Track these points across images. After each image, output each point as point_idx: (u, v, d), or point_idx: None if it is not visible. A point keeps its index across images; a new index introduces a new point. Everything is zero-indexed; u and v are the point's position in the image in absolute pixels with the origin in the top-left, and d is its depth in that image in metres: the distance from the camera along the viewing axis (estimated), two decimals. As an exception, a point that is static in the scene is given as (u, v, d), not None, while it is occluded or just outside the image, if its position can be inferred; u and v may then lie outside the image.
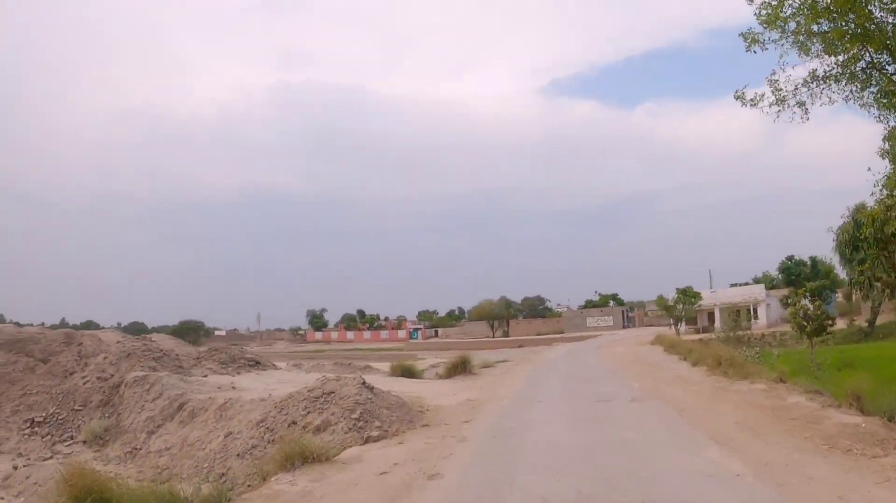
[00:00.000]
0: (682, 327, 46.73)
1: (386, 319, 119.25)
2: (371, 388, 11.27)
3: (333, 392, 10.84)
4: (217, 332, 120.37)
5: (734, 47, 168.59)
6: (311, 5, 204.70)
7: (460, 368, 20.33)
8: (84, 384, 16.91)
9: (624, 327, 76.54)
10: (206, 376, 18.51)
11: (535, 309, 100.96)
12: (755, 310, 50.70)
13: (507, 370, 22.22)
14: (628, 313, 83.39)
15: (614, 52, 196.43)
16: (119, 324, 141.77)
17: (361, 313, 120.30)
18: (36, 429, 15.14)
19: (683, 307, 41.82)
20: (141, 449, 13.10)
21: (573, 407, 11.75)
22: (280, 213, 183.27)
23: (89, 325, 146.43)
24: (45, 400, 16.57)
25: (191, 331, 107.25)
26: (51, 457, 13.31)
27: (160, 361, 18.42)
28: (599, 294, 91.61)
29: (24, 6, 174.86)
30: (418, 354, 64.63)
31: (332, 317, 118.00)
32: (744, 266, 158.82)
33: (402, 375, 20.55)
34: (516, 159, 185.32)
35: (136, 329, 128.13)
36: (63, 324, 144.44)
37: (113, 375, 17.08)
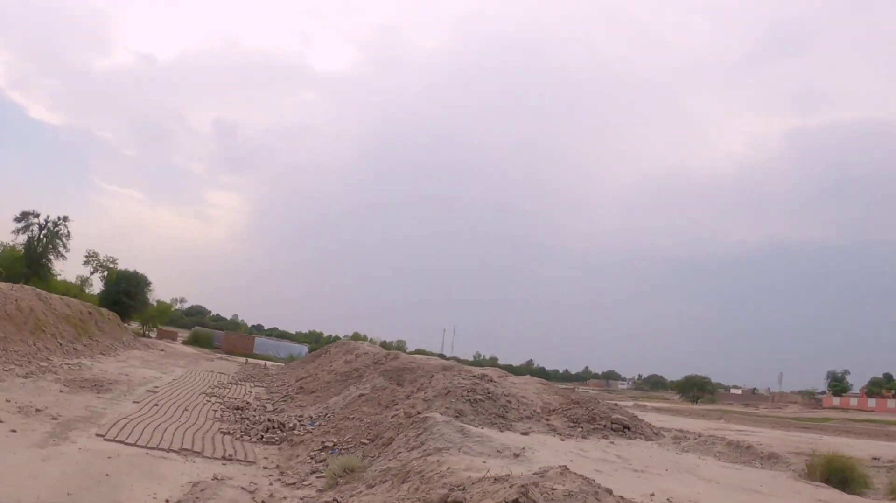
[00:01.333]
0: None
1: None
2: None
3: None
4: (733, 390, 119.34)
5: None
6: (822, 40, 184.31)
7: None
8: (391, 418, 14.38)
9: None
10: (525, 433, 13.67)
11: None
12: None
13: None
14: None
15: None
16: (639, 376, 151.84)
17: (888, 377, 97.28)
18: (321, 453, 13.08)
19: None
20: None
21: None
22: (804, 266, 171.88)
23: (609, 376, 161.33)
24: (353, 427, 14.65)
25: (693, 387, 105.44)
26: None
27: (477, 405, 14.57)
28: None
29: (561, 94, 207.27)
30: None
31: (857, 381, 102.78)
32: None
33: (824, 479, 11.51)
34: None
35: (653, 382, 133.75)
36: (586, 372, 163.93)
37: (419, 412, 14.04)
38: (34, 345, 19.06)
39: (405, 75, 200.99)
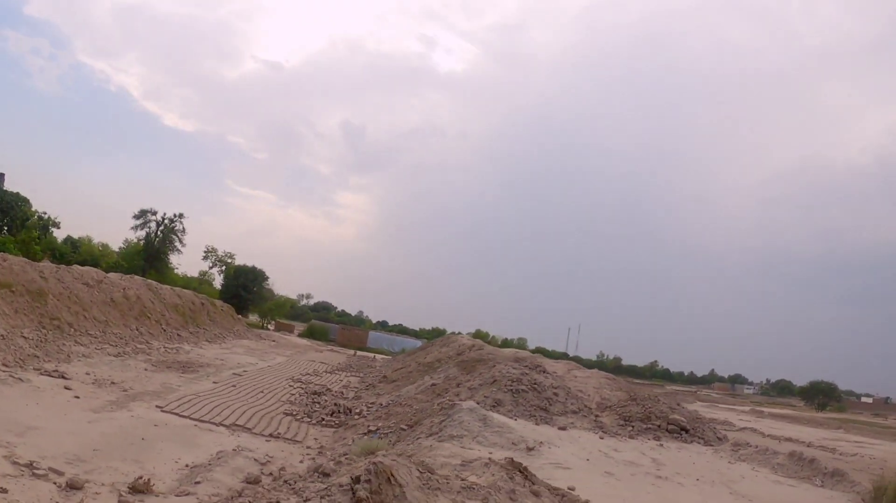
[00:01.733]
0: None
1: None
2: None
3: None
4: (864, 399, 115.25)
5: None
6: None
7: None
8: (436, 405, 14.88)
9: None
10: (563, 428, 13.60)
11: None
12: None
13: None
14: None
15: None
16: (767, 380, 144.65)
17: None
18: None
19: None
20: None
21: None
22: None
23: (736, 380, 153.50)
24: (402, 413, 15.31)
25: (819, 394, 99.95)
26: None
27: (519, 395, 14.69)
28: None
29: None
30: None
31: None
32: None
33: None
34: None
35: (781, 387, 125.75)
36: (712, 375, 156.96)
37: (463, 400, 14.43)
38: (136, 329, 21.69)
39: (528, 72, 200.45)
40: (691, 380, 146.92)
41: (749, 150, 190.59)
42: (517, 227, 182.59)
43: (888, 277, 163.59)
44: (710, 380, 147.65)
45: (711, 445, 15.30)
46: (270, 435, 12.74)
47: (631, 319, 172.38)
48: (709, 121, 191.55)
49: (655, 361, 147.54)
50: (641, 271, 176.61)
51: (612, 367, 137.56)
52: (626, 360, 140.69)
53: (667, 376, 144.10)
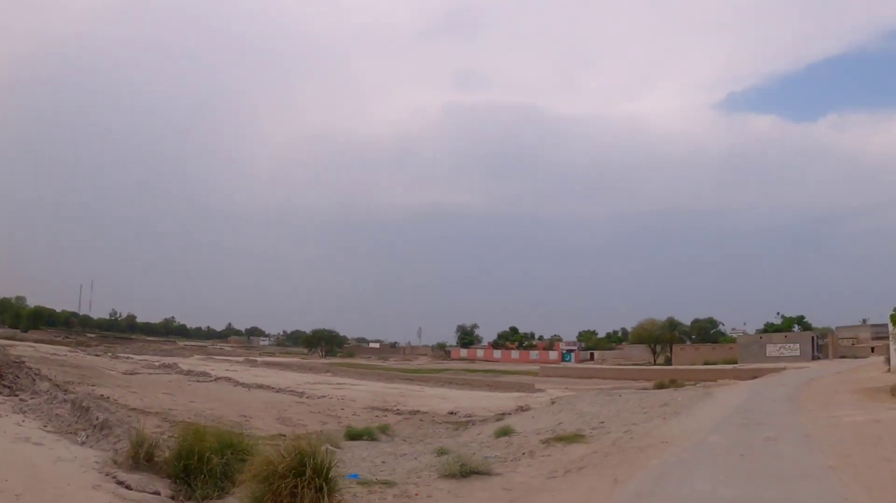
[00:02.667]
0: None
1: (540, 338, 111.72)
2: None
3: None
4: (372, 345, 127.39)
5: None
6: (488, 27, 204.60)
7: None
8: None
9: (813, 358, 57.88)
10: None
11: (706, 333, 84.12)
12: None
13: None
14: (818, 341, 63.71)
15: (794, 61, 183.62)
16: (284, 331, 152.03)
17: (514, 330, 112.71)
18: None
19: None
20: None
21: None
22: (454, 232, 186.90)
23: (253, 332, 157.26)
24: None
25: (321, 341, 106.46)
26: None
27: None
28: (782, 316, 72.33)
29: (218, 44, 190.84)
30: (536, 384, 52.53)
31: (488, 335, 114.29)
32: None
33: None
34: (695, 178, 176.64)
35: (295, 337, 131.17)
36: (230, 329, 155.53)
37: None
38: None
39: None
40: (209, 334, 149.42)
41: (278, 112, 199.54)
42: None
43: (398, 233, 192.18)
44: (227, 334, 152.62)
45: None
46: None
47: (146, 276, 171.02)
48: (241, 82, 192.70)
49: (172, 317, 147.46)
50: (162, 230, 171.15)
51: (126, 326, 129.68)
52: (142, 318, 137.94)
53: (183, 332, 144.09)
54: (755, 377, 38.83)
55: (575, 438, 13.65)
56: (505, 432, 16.83)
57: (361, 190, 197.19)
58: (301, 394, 34.80)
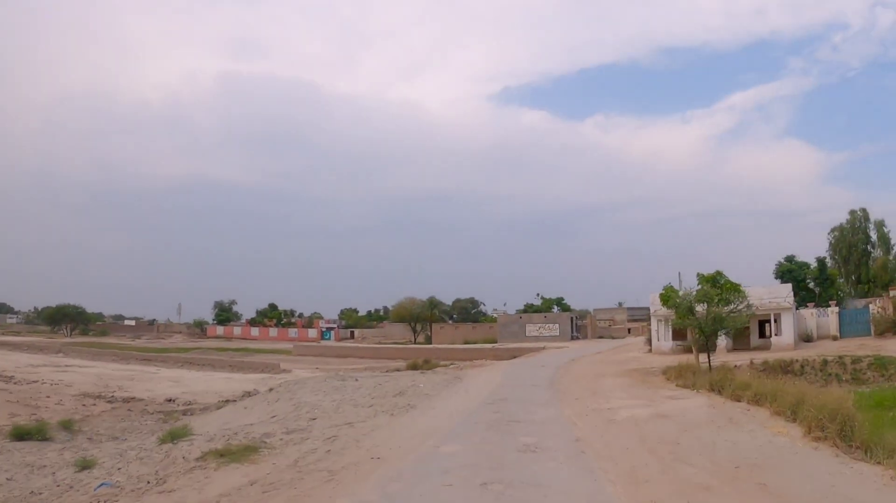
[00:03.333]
0: (726, 342, 30.70)
1: (300, 316, 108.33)
2: None
3: None
4: (127, 322, 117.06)
5: (685, 66, 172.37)
6: None
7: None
8: None
9: (572, 338, 61.80)
10: None
11: (468, 313, 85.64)
12: (776, 321, 33.78)
13: None
14: (577, 321, 68.57)
15: (569, 63, 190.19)
16: (36, 308, 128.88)
17: (273, 307, 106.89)
18: None
19: (727, 307, 20.83)
20: None
21: None
22: (221, 205, 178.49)
23: (1, 309, 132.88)
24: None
25: (65, 318, 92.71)
26: None
27: None
28: (542, 297, 76.49)
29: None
30: (286, 364, 48.97)
31: (247, 312, 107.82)
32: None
33: None
34: (463, 164, 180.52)
35: (46, 315, 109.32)
36: None
37: None
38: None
39: None
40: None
41: (38, 70, 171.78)
42: None
43: (160, 207, 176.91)
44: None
45: None
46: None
47: None
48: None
49: None
50: None
51: None
52: None
53: None
54: (514, 357, 38.30)
55: (246, 452, 10.00)
56: (176, 435, 12.98)
57: (125, 156, 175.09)
58: (9, 380, 32.08)
